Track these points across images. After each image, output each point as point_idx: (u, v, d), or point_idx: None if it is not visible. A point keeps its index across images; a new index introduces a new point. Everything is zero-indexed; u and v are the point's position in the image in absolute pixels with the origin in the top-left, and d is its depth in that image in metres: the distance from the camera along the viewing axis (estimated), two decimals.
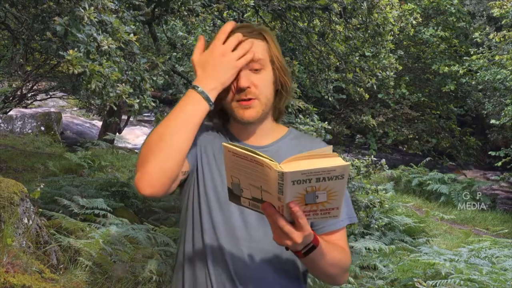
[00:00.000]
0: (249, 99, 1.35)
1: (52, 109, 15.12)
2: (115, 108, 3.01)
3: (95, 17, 2.60)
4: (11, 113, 12.13)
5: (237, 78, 1.35)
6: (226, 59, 1.31)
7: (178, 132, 1.28)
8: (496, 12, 10.21)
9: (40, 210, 3.81)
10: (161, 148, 1.27)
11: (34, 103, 13.24)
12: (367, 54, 6.33)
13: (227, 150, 1.11)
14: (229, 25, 1.35)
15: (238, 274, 1.34)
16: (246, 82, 1.34)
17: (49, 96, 12.99)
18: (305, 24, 5.49)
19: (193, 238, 1.39)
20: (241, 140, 1.44)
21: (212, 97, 1.32)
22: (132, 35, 2.88)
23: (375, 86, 5.83)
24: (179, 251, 1.44)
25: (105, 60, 2.63)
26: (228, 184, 1.17)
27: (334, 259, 1.30)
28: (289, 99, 1.47)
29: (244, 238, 1.35)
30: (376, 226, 5.68)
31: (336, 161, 1.06)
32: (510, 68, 10.13)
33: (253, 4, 4.49)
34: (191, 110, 1.30)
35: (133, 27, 3.06)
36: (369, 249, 5.86)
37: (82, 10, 2.54)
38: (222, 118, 1.48)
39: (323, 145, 1.47)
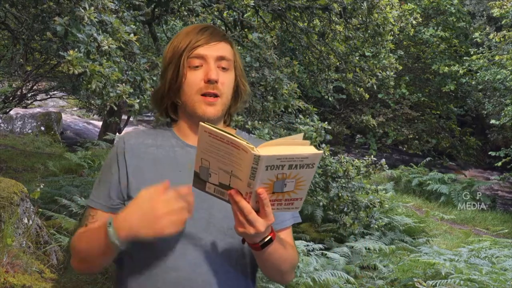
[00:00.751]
0: (215, 96, 1.34)
1: (52, 109, 15.11)
2: (115, 108, 3.01)
3: (95, 17, 2.60)
4: (11, 113, 12.13)
5: (206, 70, 1.34)
6: (159, 217, 1.19)
7: (98, 259, 1.32)
8: (496, 12, 10.21)
9: (40, 210, 3.81)
10: (86, 261, 1.34)
11: (34, 103, 13.24)
12: (367, 54, 6.33)
13: (203, 130, 1.09)
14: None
15: (185, 280, 1.30)
16: (216, 75, 1.33)
17: (49, 96, 12.99)
18: (305, 24, 5.50)
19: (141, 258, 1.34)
20: (187, 141, 1.40)
21: (121, 243, 1.23)
22: (132, 35, 2.88)
23: (375, 86, 5.84)
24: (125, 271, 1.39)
25: (105, 60, 2.63)
26: (196, 168, 1.15)
27: (286, 255, 1.30)
28: (244, 105, 1.47)
29: (191, 236, 1.31)
30: (376, 226, 5.66)
31: (310, 149, 1.07)
32: (510, 68, 10.13)
33: (253, 4, 4.49)
34: (105, 247, 1.25)
35: (133, 27, 3.06)
36: (369, 249, 5.86)
37: (82, 10, 2.55)
38: (168, 116, 1.44)
39: None
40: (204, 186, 1.17)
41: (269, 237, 1.20)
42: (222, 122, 1.44)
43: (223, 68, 1.36)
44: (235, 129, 1.50)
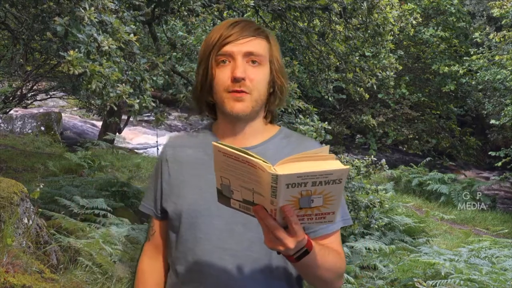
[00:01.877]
0: (241, 92, 1.30)
1: (52, 109, 15.11)
2: (115, 108, 3.01)
3: (95, 17, 2.60)
4: (11, 113, 12.13)
5: (232, 67, 1.30)
6: None
7: None
8: (496, 12, 10.21)
9: (40, 210, 3.81)
10: None
11: (34, 103, 13.23)
12: (367, 54, 6.33)
13: (217, 149, 1.04)
14: None
15: (226, 285, 1.30)
16: (242, 73, 1.29)
17: (49, 96, 12.98)
18: (305, 24, 5.50)
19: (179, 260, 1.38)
20: (224, 141, 1.35)
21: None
22: (132, 35, 2.88)
23: (375, 86, 5.84)
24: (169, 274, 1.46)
25: (105, 60, 2.63)
26: (217, 185, 1.11)
27: (328, 264, 1.24)
28: (283, 102, 1.41)
29: (230, 248, 1.31)
30: (376, 226, 5.68)
31: (334, 164, 1.00)
32: (510, 68, 10.13)
33: (253, 4, 4.49)
34: None
35: (133, 27, 3.06)
36: (369, 249, 5.86)
37: (82, 10, 2.55)
38: (211, 114, 1.44)
39: (314, 144, 1.42)
40: (229, 202, 1.12)
41: (305, 249, 1.13)
42: (260, 119, 1.39)
43: (253, 62, 1.31)
44: (280, 126, 1.46)
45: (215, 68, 1.32)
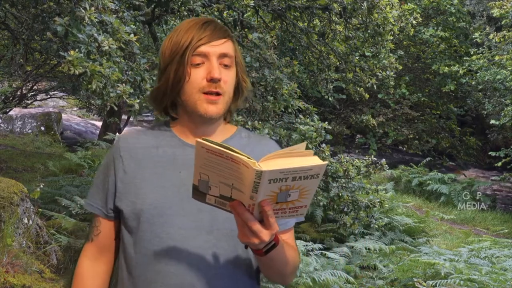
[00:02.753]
0: (218, 94, 1.30)
1: (52, 109, 15.11)
2: (115, 108, 3.01)
3: (95, 18, 2.60)
4: (11, 113, 12.13)
5: (208, 68, 1.30)
6: None
7: None
8: (496, 12, 10.21)
9: (40, 210, 3.81)
10: None
11: (34, 103, 13.24)
12: (367, 54, 6.33)
13: (200, 146, 1.06)
14: None
15: (190, 283, 1.28)
16: (219, 74, 1.29)
17: (49, 96, 12.99)
18: (305, 24, 5.50)
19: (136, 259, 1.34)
20: (187, 140, 1.37)
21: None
22: (132, 35, 2.88)
23: (375, 86, 5.84)
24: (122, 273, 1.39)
25: (105, 61, 2.63)
26: (195, 181, 1.13)
27: (289, 258, 1.29)
28: (242, 102, 1.43)
29: (195, 246, 1.29)
30: (376, 226, 5.67)
31: (314, 160, 1.05)
32: (510, 68, 10.13)
33: (253, 4, 4.49)
34: None
35: (133, 27, 3.06)
36: (369, 249, 5.86)
37: (83, 11, 2.55)
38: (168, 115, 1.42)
39: (270, 142, 1.46)
40: (204, 198, 1.15)
41: (273, 242, 1.18)
42: (222, 119, 1.41)
43: (225, 66, 1.32)
44: (237, 126, 1.47)
45: (190, 68, 1.31)
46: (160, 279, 1.29)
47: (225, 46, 1.33)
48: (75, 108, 17.35)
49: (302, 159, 1.05)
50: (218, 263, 1.30)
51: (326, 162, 1.06)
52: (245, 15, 5.17)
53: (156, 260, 1.30)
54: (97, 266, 1.43)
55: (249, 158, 1.03)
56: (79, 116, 16.69)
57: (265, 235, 1.12)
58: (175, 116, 1.40)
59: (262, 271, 1.35)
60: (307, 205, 1.12)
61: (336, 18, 5.36)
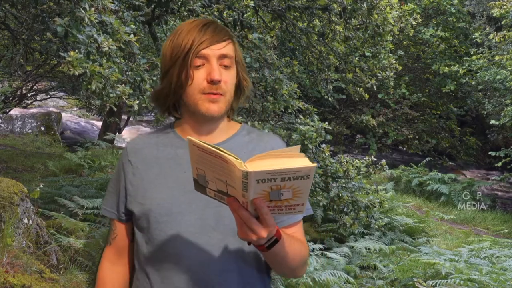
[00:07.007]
0: (218, 94, 1.34)
1: (52, 109, 15.11)
2: (115, 109, 3.02)
3: (95, 18, 2.60)
4: (11, 113, 12.13)
5: (208, 70, 1.33)
6: None
7: None
8: (496, 12, 10.21)
9: (40, 210, 3.81)
10: None
11: (34, 103, 13.24)
12: (367, 54, 6.34)
13: (191, 143, 1.09)
14: None
15: (201, 279, 1.32)
16: (220, 76, 1.32)
17: (49, 96, 12.99)
18: (305, 24, 5.50)
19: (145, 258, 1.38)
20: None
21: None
22: (132, 35, 2.88)
23: (375, 86, 5.84)
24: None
25: (105, 61, 2.63)
26: (194, 175, 1.16)
27: (294, 252, 1.29)
28: (244, 100, 1.46)
29: (203, 242, 1.32)
30: (376, 226, 5.68)
31: (302, 161, 1.05)
32: (510, 68, 10.13)
33: (253, 4, 4.49)
34: None
35: (133, 27, 3.06)
36: (369, 249, 5.86)
37: (83, 11, 2.55)
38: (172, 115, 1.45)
39: (273, 138, 1.48)
40: (205, 191, 1.18)
41: (275, 238, 1.19)
42: (225, 118, 1.44)
43: (225, 66, 1.35)
44: (241, 123, 1.49)
45: (193, 70, 1.33)
46: (171, 274, 1.33)
47: (225, 47, 1.36)
48: (75, 108, 17.35)
49: (291, 160, 1.06)
50: (227, 258, 1.32)
51: (314, 164, 1.06)
52: (245, 15, 5.16)
53: (167, 258, 1.33)
54: (117, 268, 1.48)
55: (236, 158, 1.04)
56: (79, 116, 16.70)
57: (263, 231, 1.13)
58: (177, 116, 1.44)
59: (270, 265, 1.37)
60: (303, 203, 1.12)
61: (336, 19, 5.36)
